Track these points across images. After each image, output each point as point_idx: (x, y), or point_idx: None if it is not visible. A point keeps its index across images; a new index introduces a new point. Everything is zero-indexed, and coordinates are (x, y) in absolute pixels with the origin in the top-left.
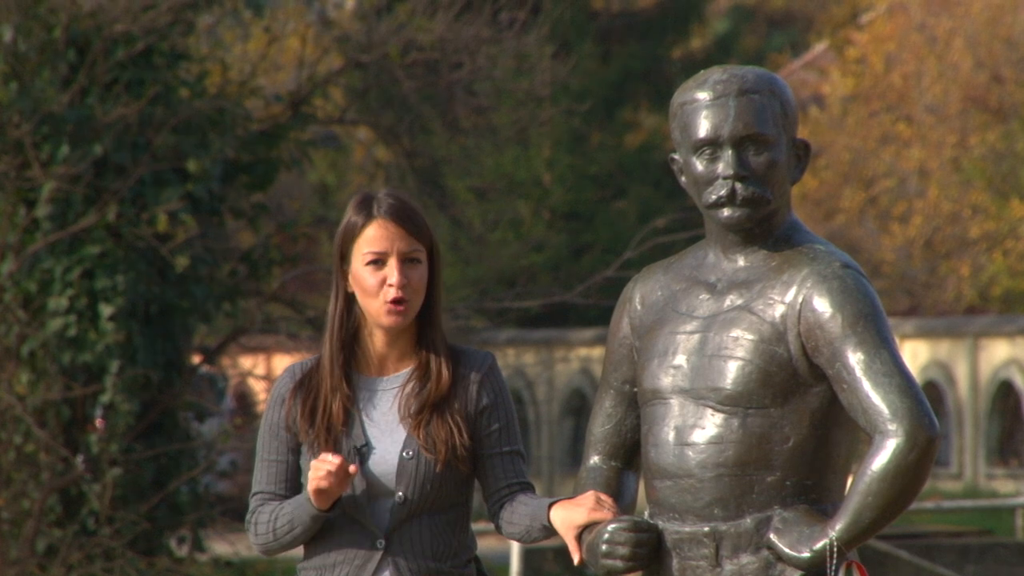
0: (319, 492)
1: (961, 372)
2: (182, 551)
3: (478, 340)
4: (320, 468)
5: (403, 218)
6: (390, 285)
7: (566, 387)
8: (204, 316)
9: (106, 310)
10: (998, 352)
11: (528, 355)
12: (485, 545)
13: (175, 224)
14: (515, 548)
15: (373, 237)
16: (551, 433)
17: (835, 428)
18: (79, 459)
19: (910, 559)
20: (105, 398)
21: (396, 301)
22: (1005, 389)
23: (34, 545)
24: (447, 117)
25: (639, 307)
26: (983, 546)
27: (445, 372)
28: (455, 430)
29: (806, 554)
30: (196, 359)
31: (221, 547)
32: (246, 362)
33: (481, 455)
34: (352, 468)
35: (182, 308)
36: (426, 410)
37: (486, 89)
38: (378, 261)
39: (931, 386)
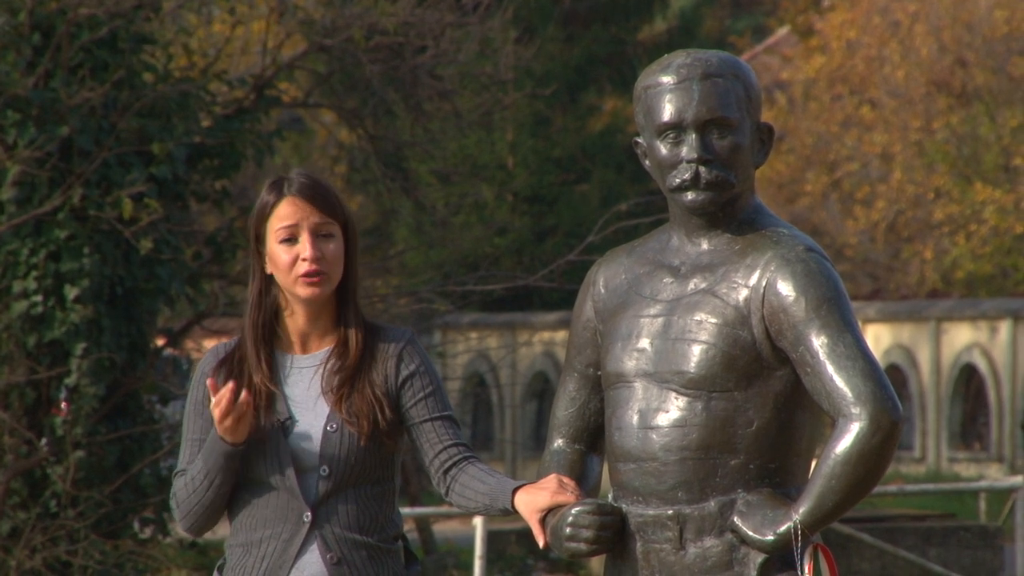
0: (226, 431)
1: (924, 356)
2: (146, 533)
3: (441, 323)
4: (215, 410)
5: (313, 195)
6: (303, 259)
7: (529, 370)
8: (168, 299)
9: (71, 292)
10: (961, 336)
11: (491, 338)
12: (448, 528)
13: (140, 207)
14: (479, 531)
15: (284, 214)
16: (514, 416)
17: (799, 411)
18: (43, 442)
19: (873, 542)
20: (70, 380)
21: (310, 274)
22: (968, 373)
23: None
24: (411, 101)
25: (603, 290)
26: (946, 529)
27: (358, 343)
28: (376, 406)
29: (770, 537)
30: (160, 342)
31: None
32: (210, 345)
33: (413, 425)
34: (244, 394)
35: (147, 290)
36: (346, 384)
37: (450, 73)
38: (291, 239)
39: (894, 370)
